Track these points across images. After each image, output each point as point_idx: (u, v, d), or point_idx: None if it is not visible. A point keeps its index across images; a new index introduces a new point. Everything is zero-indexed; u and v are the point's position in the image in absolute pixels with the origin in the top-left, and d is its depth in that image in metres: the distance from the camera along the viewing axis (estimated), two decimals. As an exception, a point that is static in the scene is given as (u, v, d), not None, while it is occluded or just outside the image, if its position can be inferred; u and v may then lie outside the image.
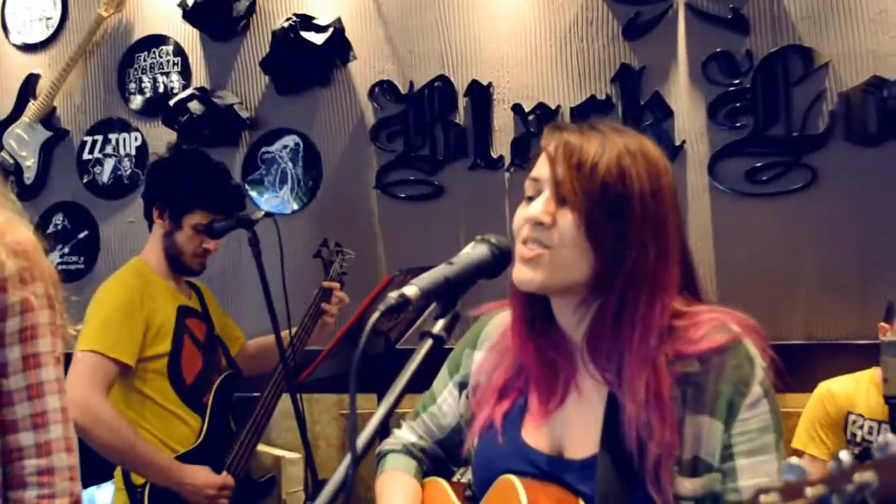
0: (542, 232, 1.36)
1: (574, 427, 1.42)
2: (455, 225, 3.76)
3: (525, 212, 1.39)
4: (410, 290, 1.20)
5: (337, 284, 3.23)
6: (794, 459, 1.04)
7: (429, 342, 1.22)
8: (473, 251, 1.31)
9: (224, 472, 2.90)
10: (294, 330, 3.07)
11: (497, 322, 1.58)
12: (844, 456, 0.90)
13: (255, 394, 3.13)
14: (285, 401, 3.84)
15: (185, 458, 2.88)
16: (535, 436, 1.44)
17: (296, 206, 4.00)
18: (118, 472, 2.90)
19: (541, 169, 1.41)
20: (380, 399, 3.12)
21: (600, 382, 1.40)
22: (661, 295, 1.36)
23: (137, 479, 2.84)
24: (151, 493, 2.80)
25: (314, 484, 2.82)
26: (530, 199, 1.41)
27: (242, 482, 3.00)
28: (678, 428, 1.32)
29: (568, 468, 1.39)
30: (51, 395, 1.56)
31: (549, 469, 1.41)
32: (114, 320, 2.80)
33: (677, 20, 3.52)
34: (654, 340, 1.34)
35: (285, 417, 3.93)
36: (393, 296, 1.18)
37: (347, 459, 1.13)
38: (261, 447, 3.60)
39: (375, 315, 1.16)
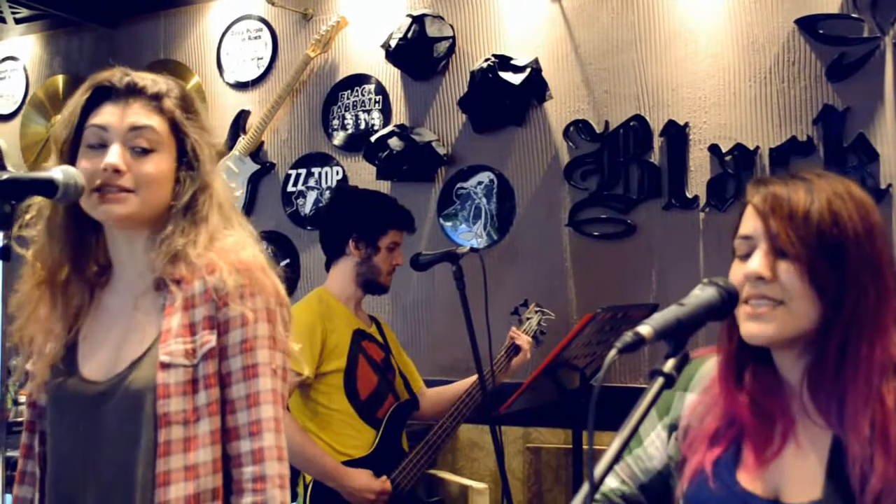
0: (765, 287, 1.37)
1: (793, 472, 1.41)
2: (647, 264, 3.76)
3: (744, 269, 1.40)
4: (645, 329, 1.22)
5: (526, 338, 3.34)
6: None
7: (660, 380, 1.25)
8: (703, 293, 1.33)
9: (384, 478, 3.06)
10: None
11: (710, 366, 1.58)
12: None
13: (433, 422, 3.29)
14: (471, 431, 3.94)
15: (355, 464, 3.07)
16: (750, 480, 1.44)
17: (488, 242, 4.09)
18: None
19: (751, 225, 1.42)
20: (575, 434, 3.16)
21: (822, 427, 1.39)
22: (882, 335, 1.35)
23: (307, 477, 3.07)
24: (314, 490, 3.04)
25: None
26: (743, 257, 1.42)
27: (410, 500, 3.16)
28: None
29: None
30: (265, 405, 1.67)
31: None
32: (296, 338, 2.99)
33: (884, 61, 3.43)
34: (876, 380, 1.34)
35: (472, 448, 4.02)
36: (629, 335, 1.21)
37: (585, 489, 1.16)
38: (448, 475, 3.70)
39: (612, 353, 1.19)
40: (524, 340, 3.29)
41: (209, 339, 1.65)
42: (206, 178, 1.73)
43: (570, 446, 3.24)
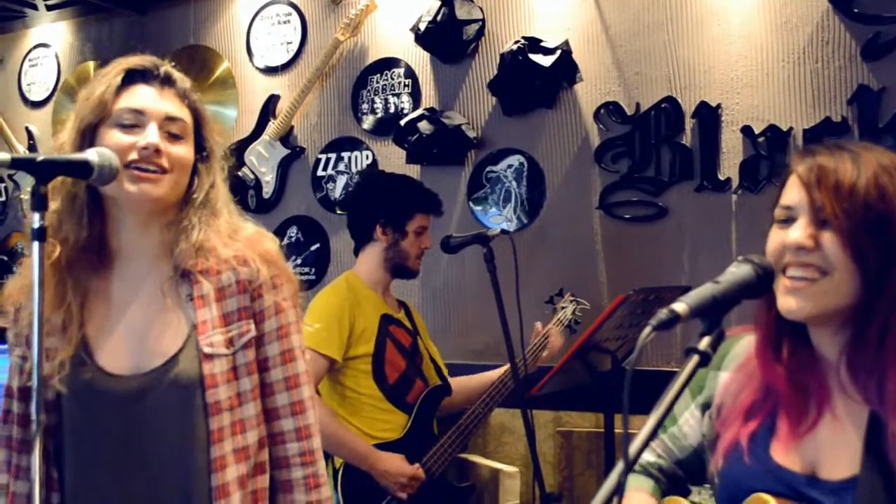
0: (805, 256, 1.36)
1: (829, 448, 1.40)
2: (679, 247, 3.74)
3: (784, 237, 1.39)
4: (680, 306, 1.21)
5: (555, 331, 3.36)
6: None
7: (695, 358, 1.24)
8: (738, 270, 1.32)
9: (416, 465, 3.08)
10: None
11: (744, 344, 1.58)
12: None
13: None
14: (502, 415, 3.93)
15: (386, 447, 3.09)
16: (785, 456, 1.43)
17: (518, 225, 4.07)
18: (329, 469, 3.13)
19: (794, 194, 1.41)
20: (606, 418, 3.14)
21: (859, 403, 1.38)
22: None
23: (337, 461, 3.09)
24: (345, 473, 3.07)
25: (542, 498, 2.87)
26: (782, 224, 1.41)
27: (440, 484, 3.17)
28: None
29: (823, 488, 1.38)
30: (304, 386, 1.80)
31: (803, 489, 1.39)
32: (325, 322, 3.04)
33: (921, 40, 3.39)
34: None
35: (502, 432, 4.01)
36: (664, 312, 1.20)
37: (620, 466, 1.15)
38: (479, 459, 3.70)
39: (647, 330, 1.17)
40: (554, 337, 3.32)
41: (248, 328, 1.73)
42: (216, 174, 1.82)
43: (602, 430, 3.22)
